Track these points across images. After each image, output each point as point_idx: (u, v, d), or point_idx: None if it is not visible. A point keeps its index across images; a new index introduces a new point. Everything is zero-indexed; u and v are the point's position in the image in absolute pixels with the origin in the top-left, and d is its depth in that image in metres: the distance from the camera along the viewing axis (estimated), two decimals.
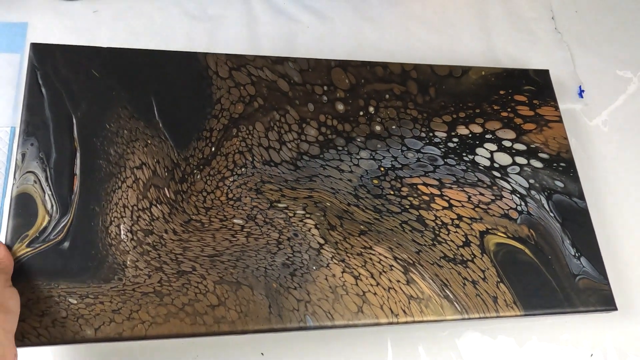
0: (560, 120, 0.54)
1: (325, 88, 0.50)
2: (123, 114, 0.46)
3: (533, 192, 0.51)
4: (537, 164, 0.52)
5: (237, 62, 0.50)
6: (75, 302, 0.40)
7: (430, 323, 0.45)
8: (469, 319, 0.45)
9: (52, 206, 0.42)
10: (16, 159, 0.43)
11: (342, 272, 0.45)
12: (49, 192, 0.42)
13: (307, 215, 0.46)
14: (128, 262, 0.42)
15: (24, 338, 0.38)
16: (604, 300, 0.48)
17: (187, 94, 0.48)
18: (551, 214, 0.50)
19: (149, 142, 0.46)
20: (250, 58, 0.50)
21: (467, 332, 0.49)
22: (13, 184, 0.42)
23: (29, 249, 0.41)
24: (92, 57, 0.47)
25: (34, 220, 0.42)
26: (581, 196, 0.52)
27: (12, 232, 0.41)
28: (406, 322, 0.44)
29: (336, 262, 0.45)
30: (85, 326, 0.40)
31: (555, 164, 0.52)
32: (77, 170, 0.44)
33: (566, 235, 0.49)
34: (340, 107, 0.50)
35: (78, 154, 0.44)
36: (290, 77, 0.50)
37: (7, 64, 0.52)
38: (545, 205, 0.50)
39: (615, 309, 0.48)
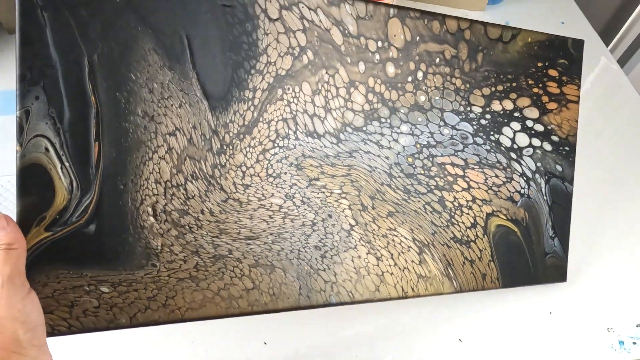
0: (577, 101, 0.55)
1: (380, 44, 0.44)
2: (152, 60, 0.36)
3: (537, 175, 0.53)
4: (548, 146, 0.54)
5: None
6: (107, 290, 0.37)
7: (429, 296, 0.49)
8: (461, 291, 0.51)
9: (71, 181, 0.35)
10: (17, 117, 0.33)
11: (367, 254, 0.46)
12: (66, 163, 0.35)
13: (343, 195, 0.44)
14: (162, 247, 0.38)
15: (53, 330, 0.35)
16: (560, 274, 0.56)
17: (227, 39, 0.38)
18: (545, 198, 0.54)
19: (184, 101, 0.38)
20: None
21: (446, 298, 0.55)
22: (18, 151, 0.33)
23: (48, 234, 0.35)
24: None
25: (50, 198, 0.35)
26: (571, 180, 0.56)
27: (26, 213, 0.34)
28: (412, 297, 0.48)
29: (363, 243, 0.45)
30: (119, 315, 0.37)
31: (561, 148, 0.54)
32: (99, 135, 0.35)
33: (550, 218, 0.55)
34: (390, 69, 0.45)
35: (99, 113, 0.35)
36: (345, 25, 0.42)
37: None
38: (543, 189, 0.54)
39: (565, 280, 0.57)
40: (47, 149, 0.34)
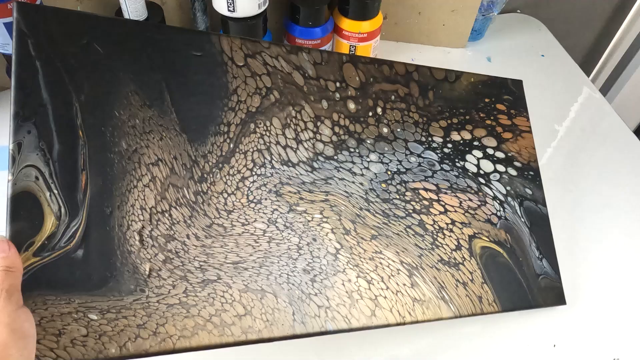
0: (530, 131, 0.60)
1: (338, 84, 0.49)
2: (134, 100, 0.40)
3: (509, 198, 0.56)
4: (513, 171, 0.57)
5: (253, 48, 0.46)
6: (96, 317, 0.36)
7: (430, 322, 0.48)
8: (460, 316, 0.50)
9: (59, 207, 0.36)
10: (10, 150, 0.36)
11: (357, 277, 0.46)
12: (55, 191, 0.37)
13: (324, 220, 0.46)
14: (150, 271, 0.38)
15: None
16: (557, 297, 0.56)
17: (201, 81, 0.43)
18: (522, 219, 0.56)
19: (164, 134, 0.41)
20: (265, 45, 0.46)
21: (444, 327, 0.53)
22: (9, 180, 0.36)
23: (36, 259, 0.35)
24: (92, 26, 0.40)
25: (39, 224, 0.36)
26: (544, 203, 0.58)
27: (14, 239, 0.35)
28: (411, 323, 0.47)
29: (351, 267, 0.46)
30: (108, 344, 0.36)
31: (525, 172, 0.58)
32: (86, 165, 0.38)
33: (532, 239, 0.56)
34: (351, 105, 0.49)
35: (85, 146, 0.38)
36: (304, 69, 0.48)
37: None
38: (518, 211, 0.56)
39: (565, 303, 0.56)
40: (37, 178, 0.36)
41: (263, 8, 0.62)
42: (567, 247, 0.62)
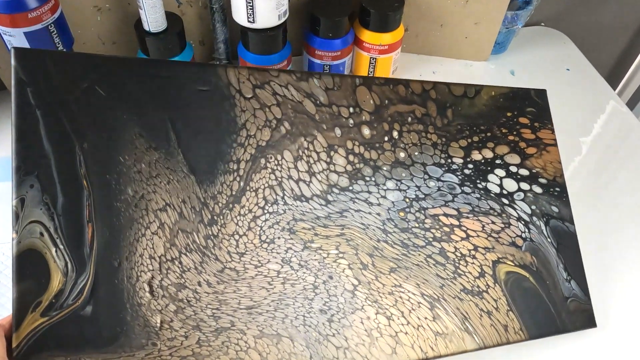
0: (555, 144, 0.57)
1: (351, 110, 0.47)
2: (139, 143, 0.39)
3: (534, 218, 0.53)
4: (538, 189, 0.54)
5: (261, 78, 0.44)
6: None
7: (453, 356, 0.46)
8: (485, 347, 0.48)
9: (66, 263, 0.35)
10: (13, 206, 0.35)
11: (376, 314, 0.44)
12: (61, 246, 0.35)
13: (341, 255, 0.44)
14: (162, 323, 0.37)
15: None
16: (587, 319, 0.53)
17: (208, 118, 0.41)
18: (548, 240, 0.53)
19: (172, 177, 0.40)
20: (274, 74, 0.44)
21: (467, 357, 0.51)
22: (13, 238, 0.34)
23: (44, 319, 0.34)
24: (91, 68, 0.38)
25: (46, 282, 0.35)
26: (571, 220, 0.55)
27: (21, 300, 0.34)
28: (434, 358, 0.45)
29: (370, 303, 0.44)
30: None
31: (551, 189, 0.55)
32: (92, 216, 0.37)
33: (560, 260, 0.53)
34: (366, 131, 0.47)
35: (91, 196, 0.37)
36: (316, 97, 0.46)
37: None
38: (544, 231, 0.53)
39: (595, 326, 0.53)
40: (41, 234, 0.35)
41: (283, 19, 0.60)
42: (594, 266, 0.60)
